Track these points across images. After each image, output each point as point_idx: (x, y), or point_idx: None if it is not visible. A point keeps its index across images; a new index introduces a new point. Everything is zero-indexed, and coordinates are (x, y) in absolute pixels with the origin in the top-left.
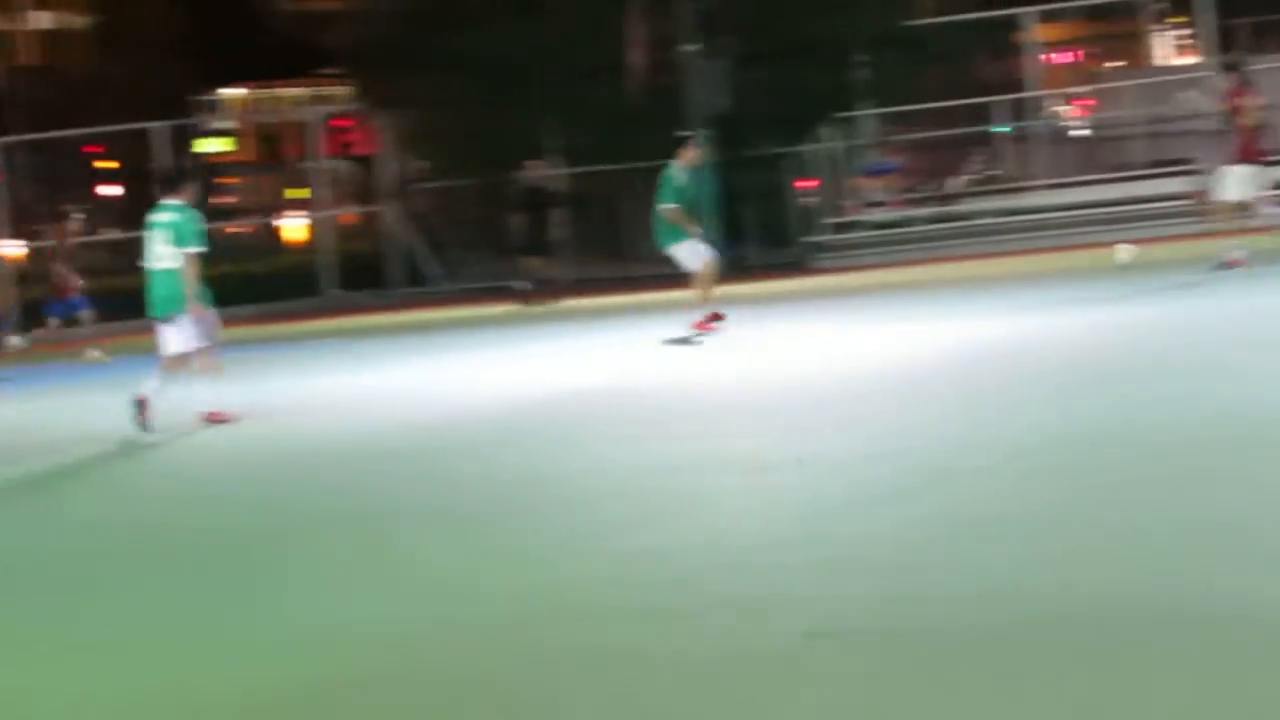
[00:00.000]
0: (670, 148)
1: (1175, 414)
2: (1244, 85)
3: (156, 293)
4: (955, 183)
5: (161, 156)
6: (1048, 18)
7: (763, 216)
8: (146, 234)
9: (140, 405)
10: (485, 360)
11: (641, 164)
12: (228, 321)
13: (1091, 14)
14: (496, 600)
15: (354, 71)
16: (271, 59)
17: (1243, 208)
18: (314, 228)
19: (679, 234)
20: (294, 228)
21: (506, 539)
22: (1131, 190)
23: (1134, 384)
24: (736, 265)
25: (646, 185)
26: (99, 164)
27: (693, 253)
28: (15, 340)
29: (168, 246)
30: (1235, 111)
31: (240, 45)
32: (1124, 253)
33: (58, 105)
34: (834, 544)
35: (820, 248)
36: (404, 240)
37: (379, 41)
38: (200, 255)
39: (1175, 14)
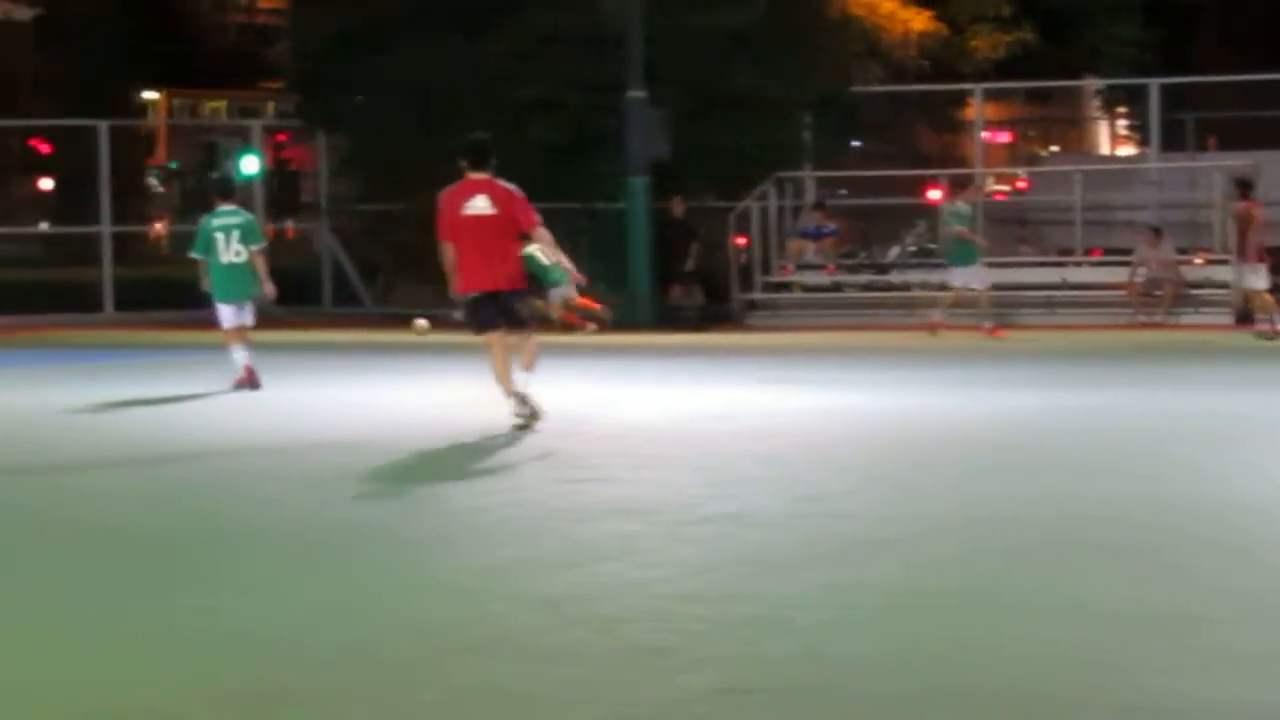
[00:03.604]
0: (603, 189)
1: (1106, 500)
2: (1252, 198)
3: (231, 282)
4: (891, 252)
5: (102, 154)
6: (991, 95)
7: (706, 269)
8: (220, 234)
9: (249, 377)
10: (413, 386)
11: (574, 204)
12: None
13: (1034, 97)
14: (413, 629)
15: (291, 87)
16: (213, 67)
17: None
18: None
19: (970, 256)
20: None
21: (432, 567)
22: (1067, 275)
23: (1053, 470)
24: (669, 316)
25: (578, 224)
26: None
27: (979, 276)
28: None
29: (240, 244)
30: (1247, 221)
31: (182, 51)
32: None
33: None
34: (756, 603)
35: (754, 305)
36: (334, 259)
37: (315, 59)
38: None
39: (1120, 104)
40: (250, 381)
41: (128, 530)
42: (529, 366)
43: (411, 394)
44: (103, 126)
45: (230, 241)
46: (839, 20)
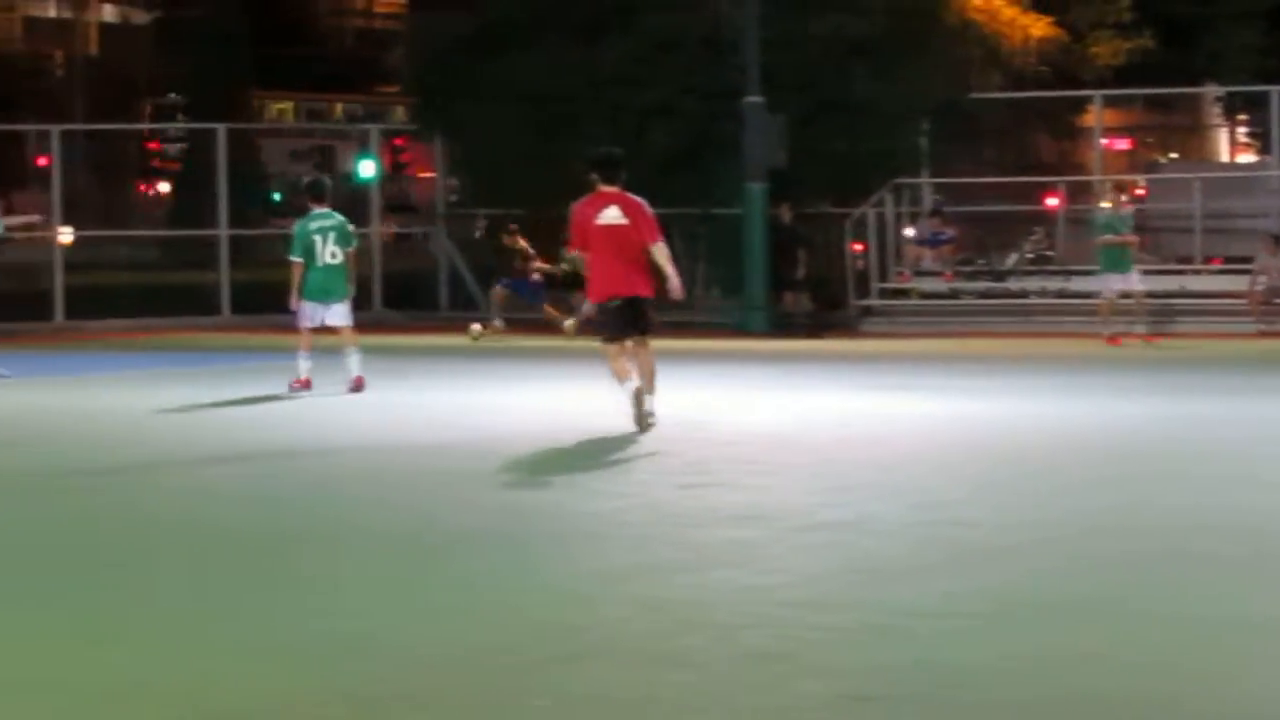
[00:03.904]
0: (720, 194)
1: (1222, 510)
2: None
3: (327, 283)
4: (1008, 259)
5: (220, 157)
6: (1111, 102)
7: (814, 276)
8: (319, 237)
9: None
10: (534, 388)
11: (692, 210)
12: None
13: (1153, 104)
14: (527, 633)
15: (409, 92)
16: (330, 72)
17: None
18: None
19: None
20: None
21: (548, 572)
22: (1185, 283)
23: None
24: (785, 323)
25: (696, 230)
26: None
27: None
28: None
29: (336, 246)
30: None
31: (299, 55)
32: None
33: (114, 98)
34: (877, 611)
35: (870, 312)
36: (450, 264)
37: (433, 64)
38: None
39: (1240, 111)
40: (306, 385)
41: (242, 531)
42: (650, 385)
43: (528, 398)
44: (220, 130)
45: (327, 244)
46: (958, 26)
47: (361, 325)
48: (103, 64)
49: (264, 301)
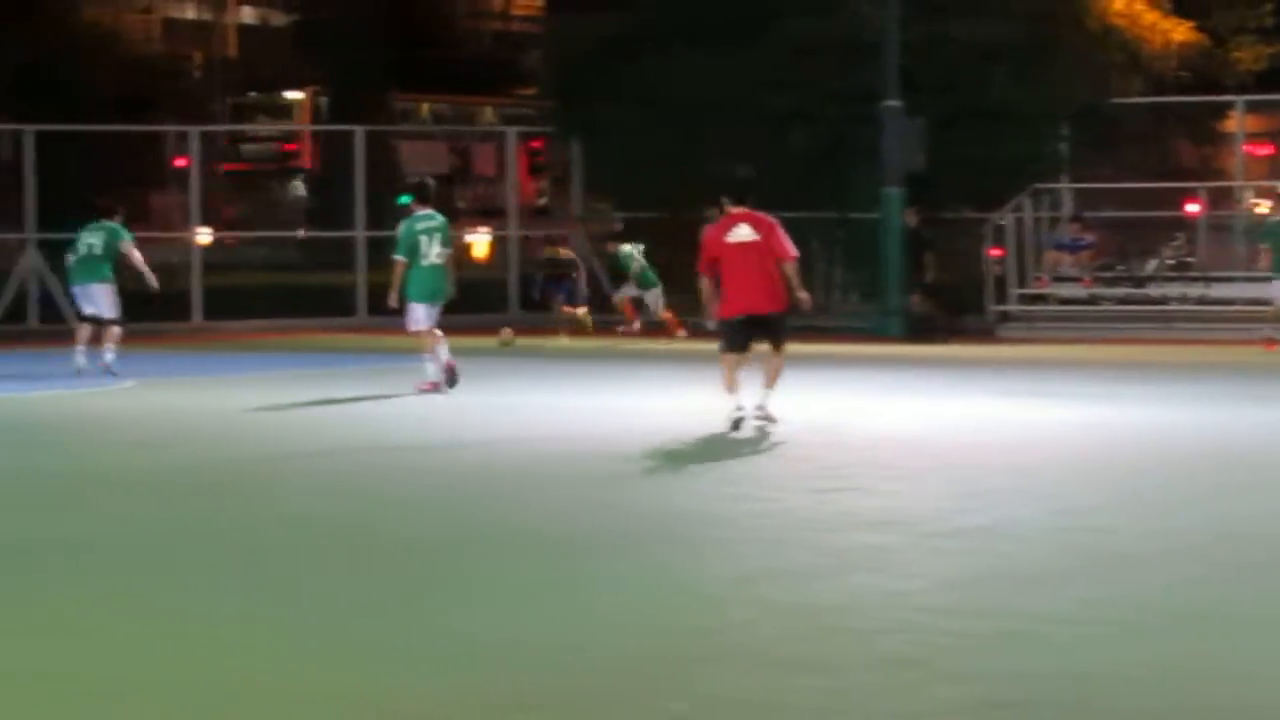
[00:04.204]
0: (859, 198)
1: None
2: None
3: (431, 284)
4: (1148, 265)
5: (358, 159)
6: (1253, 108)
7: (953, 281)
8: (424, 237)
9: (450, 374)
10: (672, 393)
11: (829, 214)
12: (400, 330)
13: None
14: (664, 636)
15: (547, 95)
16: (467, 74)
17: None
18: (501, 245)
19: None
20: (480, 243)
21: (681, 575)
22: None
23: None
24: (929, 327)
25: (834, 234)
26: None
27: None
28: None
29: (440, 247)
30: None
31: (436, 57)
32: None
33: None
34: (1014, 617)
35: (1008, 317)
36: (588, 265)
37: (571, 67)
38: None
39: None
40: (450, 379)
41: (379, 533)
42: (772, 383)
43: (664, 401)
44: (359, 131)
45: (432, 244)
46: (1099, 31)
47: (497, 325)
48: (241, 65)
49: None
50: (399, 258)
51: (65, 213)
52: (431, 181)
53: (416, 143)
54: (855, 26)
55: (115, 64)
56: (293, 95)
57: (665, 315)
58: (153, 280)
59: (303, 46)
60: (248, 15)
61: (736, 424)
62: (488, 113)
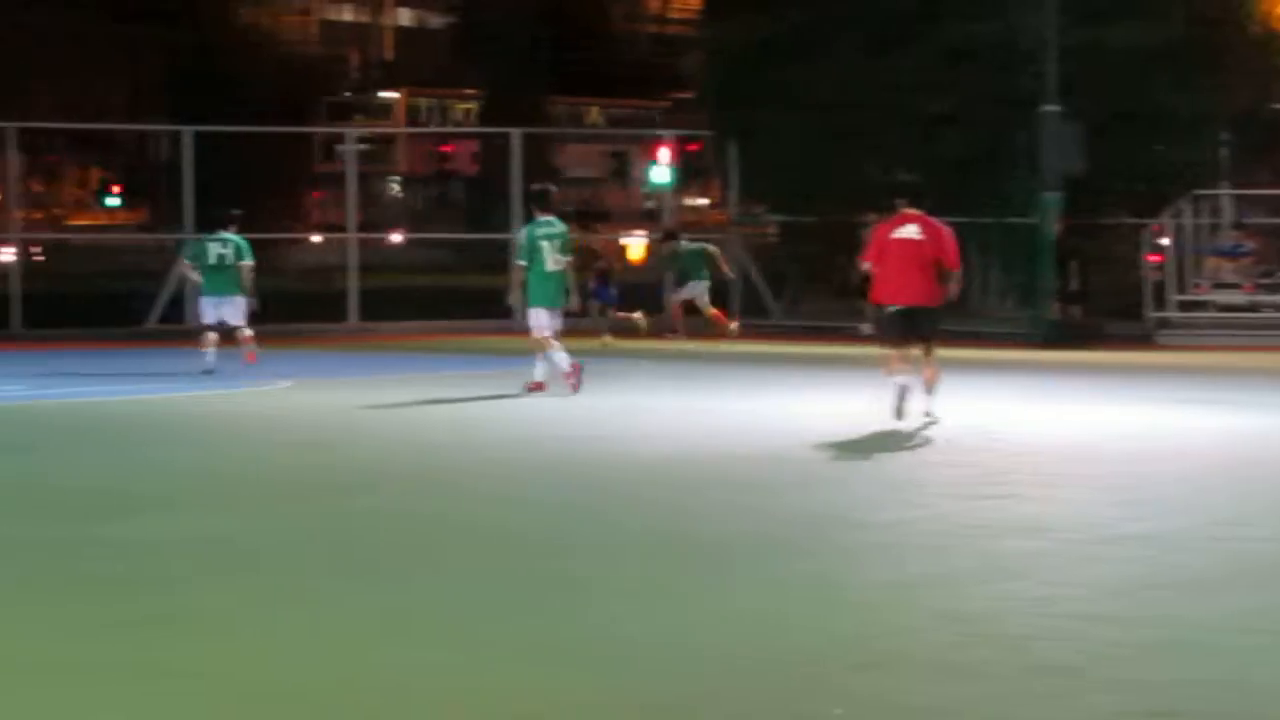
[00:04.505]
0: (1015, 204)
1: None
2: None
3: (550, 289)
4: None
5: (514, 161)
6: None
7: (1112, 286)
8: (545, 243)
9: (573, 376)
10: (824, 398)
11: (985, 219)
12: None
13: None
14: (818, 641)
15: (703, 98)
16: (625, 77)
17: None
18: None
19: None
20: (636, 246)
21: (835, 579)
22: None
23: None
24: (1081, 333)
25: (989, 239)
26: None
27: None
28: None
29: (560, 253)
30: None
31: (593, 60)
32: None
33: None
34: (1174, 626)
35: (1167, 323)
36: (744, 271)
37: (728, 71)
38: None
39: None
40: (576, 381)
41: (528, 533)
42: (931, 383)
43: (822, 406)
44: (515, 134)
45: (552, 250)
46: (1261, 36)
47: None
48: (397, 67)
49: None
50: (519, 262)
51: (222, 213)
52: (553, 188)
53: (575, 145)
54: (1012, 31)
55: (273, 65)
56: (387, 95)
57: (712, 312)
58: (254, 303)
59: (461, 49)
60: (405, 18)
61: (901, 400)
62: (593, 113)
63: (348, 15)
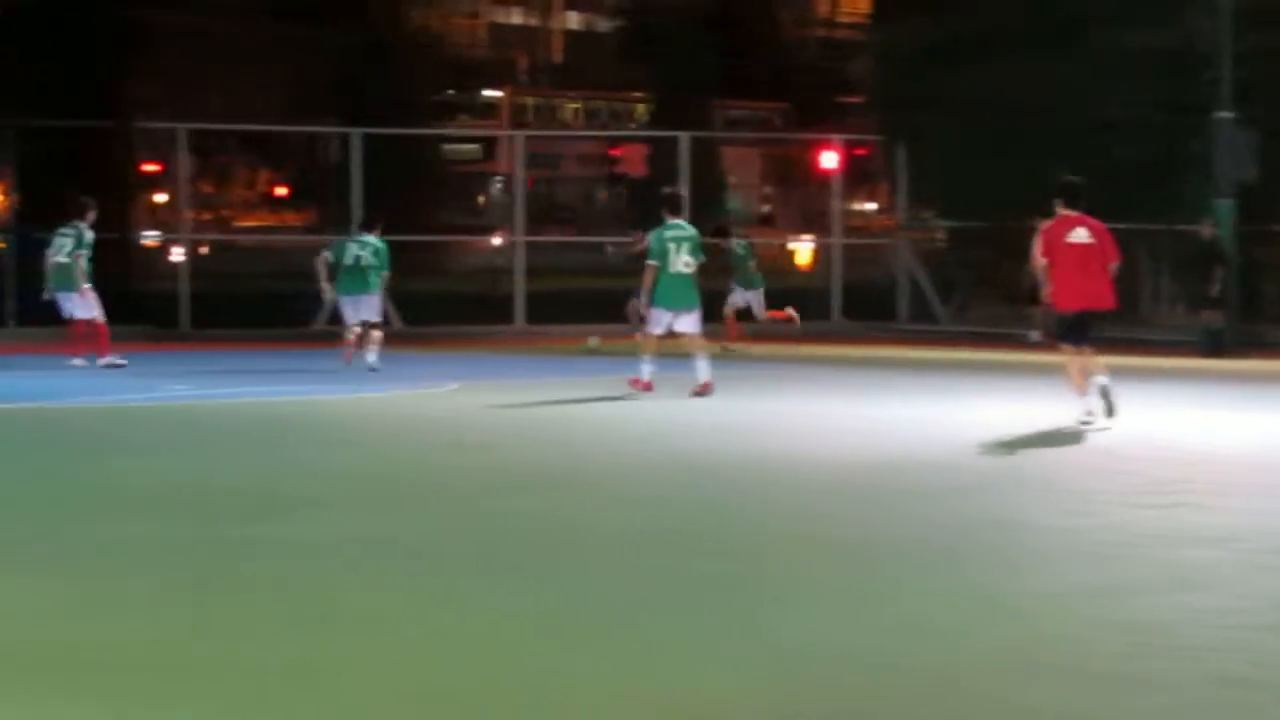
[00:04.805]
0: (1187, 211)
1: None
2: None
3: (675, 291)
4: None
5: (682, 165)
6: None
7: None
8: (673, 245)
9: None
10: (989, 404)
11: (1156, 225)
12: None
13: None
14: (976, 649)
15: (872, 102)
16: (793, 80)
17: None
18: (824, 253)
19: None
20: (803, 251)
21: (995, 588)
22: None
23: None
24: (1253, 342)
25: (1161, 246)
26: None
27: None
28: None
29: (688, 256)
30: None
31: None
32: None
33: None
34: None
35: None
36: (913, 276)
37: (898, 74)
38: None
39: None
40: (647, 387)
41: (683, 537)
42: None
43: (994, 413)
44: (684, 138)
45: (680, 253)
46: None
47: (816, 335)
48: (565, 70)
49: (710, 311)
50: (651, 262)
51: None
52: (683, 193)
53: (739, 149)
54: (1186, 36)
55: (441, 68)
56: (492, 94)
57: (769, 316)
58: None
59: (628, 52)
60: (573, 21)
61: (1108, 398)
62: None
63: (516, 18)
